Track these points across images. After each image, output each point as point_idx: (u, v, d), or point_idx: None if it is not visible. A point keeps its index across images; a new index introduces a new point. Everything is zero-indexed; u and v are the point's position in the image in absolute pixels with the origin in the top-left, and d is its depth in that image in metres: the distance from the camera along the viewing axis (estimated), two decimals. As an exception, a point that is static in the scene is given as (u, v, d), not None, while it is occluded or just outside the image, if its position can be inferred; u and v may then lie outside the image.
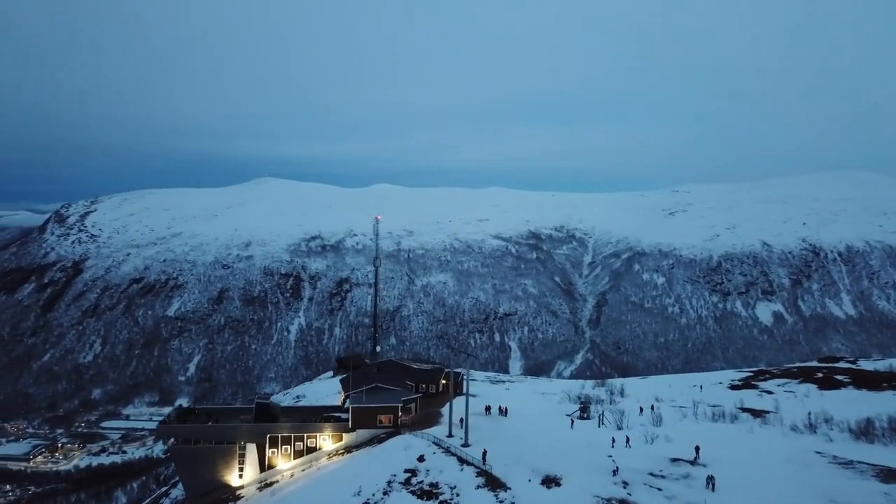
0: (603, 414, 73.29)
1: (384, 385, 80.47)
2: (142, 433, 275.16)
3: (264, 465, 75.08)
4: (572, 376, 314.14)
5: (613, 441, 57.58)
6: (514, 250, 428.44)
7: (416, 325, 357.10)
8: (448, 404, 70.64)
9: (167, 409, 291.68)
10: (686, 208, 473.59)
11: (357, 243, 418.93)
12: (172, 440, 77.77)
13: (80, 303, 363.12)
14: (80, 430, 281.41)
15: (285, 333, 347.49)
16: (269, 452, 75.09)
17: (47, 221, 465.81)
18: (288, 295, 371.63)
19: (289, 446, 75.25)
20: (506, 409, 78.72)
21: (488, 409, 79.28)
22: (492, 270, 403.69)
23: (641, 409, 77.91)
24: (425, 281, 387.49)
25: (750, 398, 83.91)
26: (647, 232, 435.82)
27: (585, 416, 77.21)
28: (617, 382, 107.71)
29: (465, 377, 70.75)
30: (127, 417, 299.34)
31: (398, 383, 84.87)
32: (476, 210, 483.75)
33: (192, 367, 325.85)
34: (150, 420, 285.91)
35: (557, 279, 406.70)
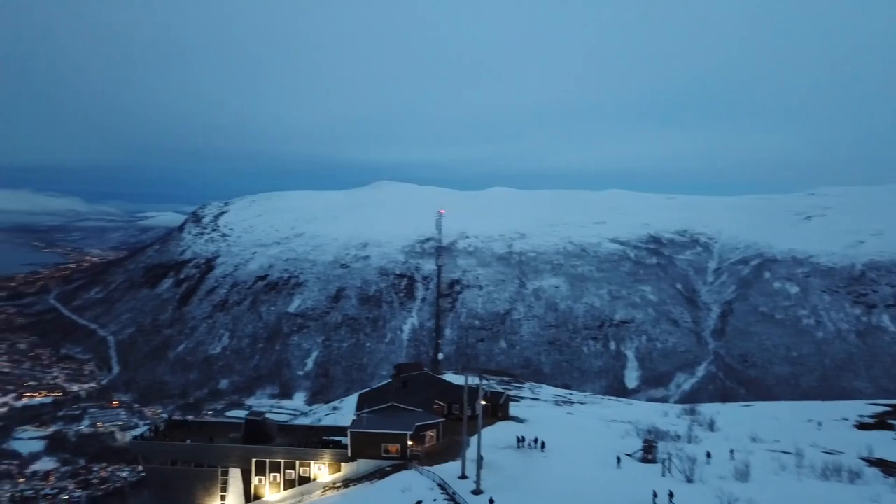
0: (670, 458, 57.69)
1: (402, 405, 68.02)
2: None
3: (250, 496, 64.56)
4: (693, 389, 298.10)
5: (655, 497, 46.53)
6: (632, 255, 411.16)
7: (526, 329, 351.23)
8: (482, 431, 59.37)
9: (286, 402, 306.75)
10: (824, 212, 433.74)
11: (469, 245, 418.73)
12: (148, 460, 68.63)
13: (211, 298, 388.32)
14: (207, 417, 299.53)
15: (398, 332, 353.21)
16: (255, 480, 64.16)
17: (185, 221, 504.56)
18: (402, 295, 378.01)
19: (279, 474, 63.88)
20: (542, 443, 64.67)
21: (521, 440, 65.91)
22: (607, 275, 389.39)
23: (709, 455, 61.37)
24: (537, 284, 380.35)
25: (883, 444, 67.04)
26: (779, 237, 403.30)
27: (650, 457, 62.15)
28: (709, 410, 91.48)
29: (480, 399, 57.81)
30: (249, 408, 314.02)
31: (425, 403, 72.37)
32: (592, 212, 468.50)
33: (310, 363, 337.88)
34: (270, 412, 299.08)
35: (679, 286, 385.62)
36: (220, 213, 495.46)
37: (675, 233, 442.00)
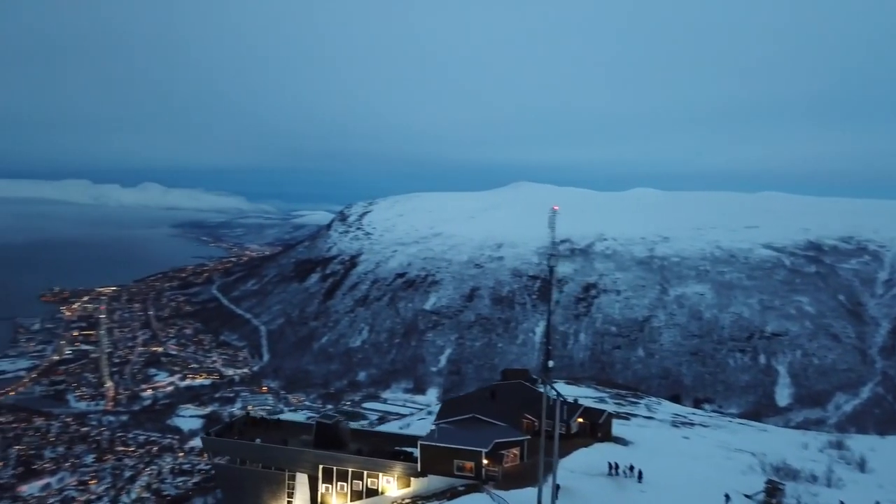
0: None
1: (485, 417, 61.04)
2: (394, 418, 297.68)
3: (316, 503, 59.77)
4: (855, 412, 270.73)
5: None
6: (787, 262, 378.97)
7: (666, 338, 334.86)
8: (574, 454, 53.62)
9: (419, 398, 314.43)
10: None
11: (607, 248, 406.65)
12: (220, 457, 65.16)
13: (353, 293, 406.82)
14: (345, 407, 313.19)
15: (530, 334, 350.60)
16: (322, 488, 59.27)
17: (333, 220, 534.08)
18: (534, 297, 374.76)
19: (346, 484, 58.32)
20: (640, 472, 55.02)
21: (614, 467, 56.44)
22: (759, 284, 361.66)
23: None
24: (679, 291, 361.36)
25: None
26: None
27: (773, 502, 52.22)
28: (861, 445, 75.28)
29: (558, 415, 49.51)
30: (385, 401, 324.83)
31: (512, 417, 63.73)
32: (743, 216, 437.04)
33: (443, 360, 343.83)
34: (404, 405, 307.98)
35: (841, 297, 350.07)
36: (365, 213, 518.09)
37: (839, 239, 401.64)
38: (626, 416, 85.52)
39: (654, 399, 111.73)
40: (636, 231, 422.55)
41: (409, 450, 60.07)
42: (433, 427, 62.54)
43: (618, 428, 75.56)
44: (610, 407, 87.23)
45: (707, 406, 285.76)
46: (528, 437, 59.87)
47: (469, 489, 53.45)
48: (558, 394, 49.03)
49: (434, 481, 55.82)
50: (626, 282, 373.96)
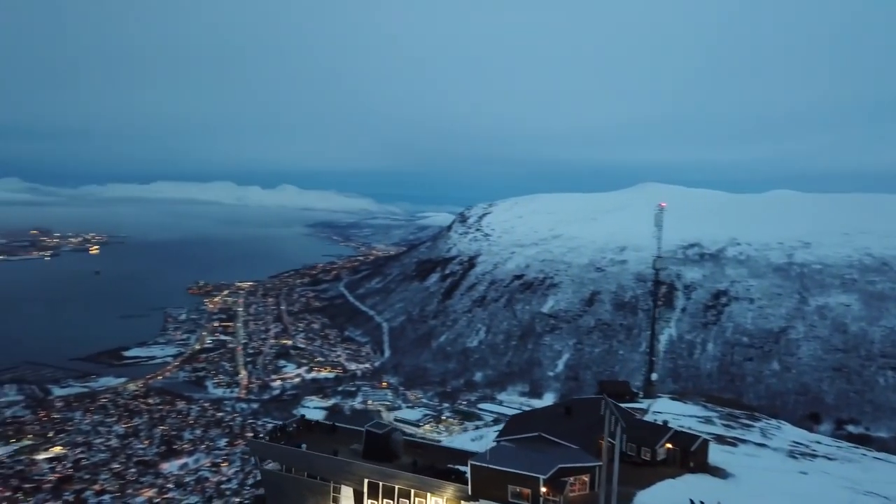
0: None
1: (553, 437, 52.80)
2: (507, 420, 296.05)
3: None
4: None
5: None
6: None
7: (805, 351, 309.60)
8: (656, 486, 45.97)
9: (535, 402, 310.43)
10: None
11: (740, 253, 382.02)
12: (269, 462, 61.74)
13: (471, 293, 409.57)
14: (460, 407, 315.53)
15: (655, 342, 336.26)
16: (367, 503, 54.56)
17: (453, 222, 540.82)
18: (660, 303, 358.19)
19: (392, 502, 53.15)
20: None
21: None
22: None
23: None
24: (821, 301, 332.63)
25: None
26: None
27: None
28: None
29: (621, 439, 44.27)
30: (500, 403, 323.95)
31: (588, 438, 54.59)
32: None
33: (560, 364, 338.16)
34: (520, 408, 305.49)
35: None
36: (484, 214, 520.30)
37: None
38: (733, 442, 74.06)
39: (773, 422, 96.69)
40: (773, 235, 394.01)
41: (463, 469, 53.38)
42: (492, 444, 55.74)
43: (719, 456, 65.28)
44: (717, 429, 77.17)
45: (851, 428, 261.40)
46: (601, 463, 50.67)
47: None
48: (610, 408, 43.77)
49: None
50: (761, 289, 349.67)
